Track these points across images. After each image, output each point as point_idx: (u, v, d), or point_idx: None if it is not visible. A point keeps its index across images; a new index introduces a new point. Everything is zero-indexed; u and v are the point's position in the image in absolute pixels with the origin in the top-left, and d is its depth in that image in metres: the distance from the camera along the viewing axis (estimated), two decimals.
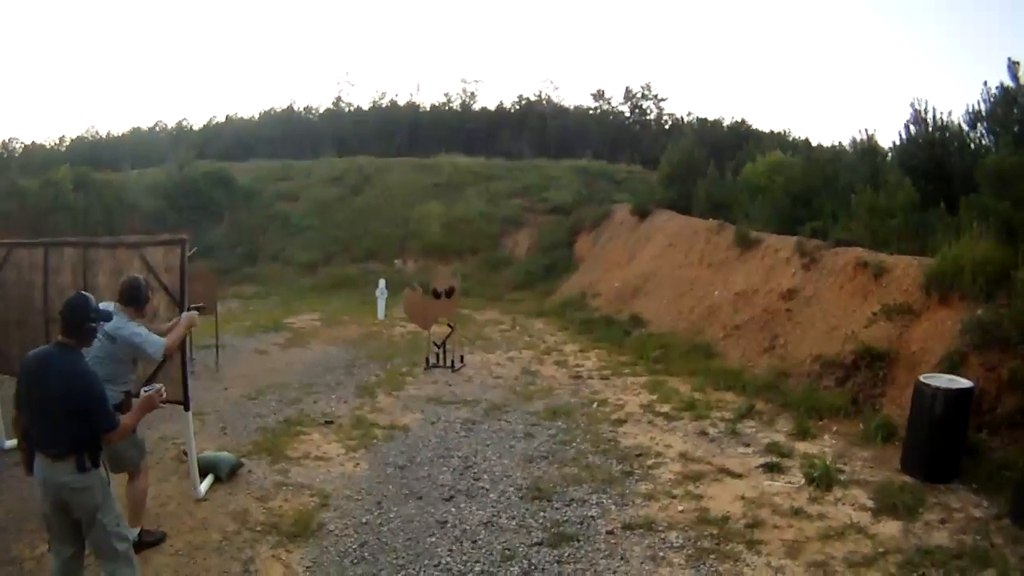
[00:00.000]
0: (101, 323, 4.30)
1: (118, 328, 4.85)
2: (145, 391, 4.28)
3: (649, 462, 6.99)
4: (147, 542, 5.17)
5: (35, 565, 5.00)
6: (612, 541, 5.28)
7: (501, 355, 12.68)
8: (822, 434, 7.67)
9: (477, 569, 4.99)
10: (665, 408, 8.90)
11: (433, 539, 5.47)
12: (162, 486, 6.25)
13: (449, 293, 12.01)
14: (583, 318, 15.73)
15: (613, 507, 5.92)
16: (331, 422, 8.68)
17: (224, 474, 6.64)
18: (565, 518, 5.73)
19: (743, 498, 5.93)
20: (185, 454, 6.48)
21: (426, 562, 5.12)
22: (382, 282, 17.37)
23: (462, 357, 11.77)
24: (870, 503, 5.83)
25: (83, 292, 4.23)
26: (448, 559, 5.15)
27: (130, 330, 4.91)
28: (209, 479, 6.49)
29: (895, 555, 4.91)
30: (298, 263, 23.56)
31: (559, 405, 9.22)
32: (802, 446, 7.32)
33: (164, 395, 4.35)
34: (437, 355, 11.66)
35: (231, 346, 12.97)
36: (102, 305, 4.81)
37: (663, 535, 5.33)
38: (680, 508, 5.79)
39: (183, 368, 5.91)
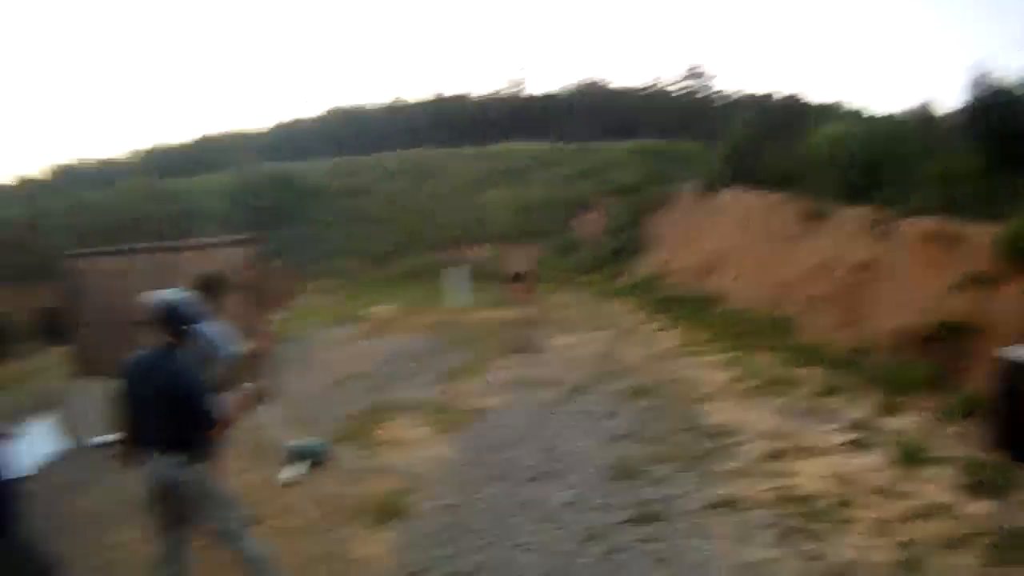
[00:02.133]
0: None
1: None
2: (245, 388, 4.42)
3: (733, 440, 6.88)
4: None
5: (124, 552, 5.28)
6: (697, 520, 5.23)
7: (580, 336, 12.69)
8: (906, 409, 7.42)
9: (560, 549, 5.01)
10: (748, 385, 8.76)
11: (516, 520, 5.52)
12: (248, 475, 6.38)
13: (525, 276, 12.11)
14: (659, 297, 15.66)
15: (698, 485, 5.85)
16: (416, 407, 8.87)
17: (312, 460, 6.87)
18: (649, 497, 5.69)
19: (829, 476, 5.79)
20: (273, 441, 6.79)
21: (509, 543, 5.17)
22: (457, 269, 17.57)
23: (542, 340, 11.84)
24: (958, 481, 5.61)
25: (182, 294, 4.34)
26: (531, 539, 5.19)
27: (213, 329, 5.06)
28: (297, 465, 6.74)
29: (984, 536, 4.72)
30: (371, 256, 24.10)
31: (641, 384, 9.17)
32: (887, 422, 7.10)
33: (265, 393, 4.53)
34: (516, 338, 11.77)
35: (314, 338, 13.35)
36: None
37: (749, 514, 5.25)
38: (765, 486, 5.69)
39: (266, 363, 6.10)
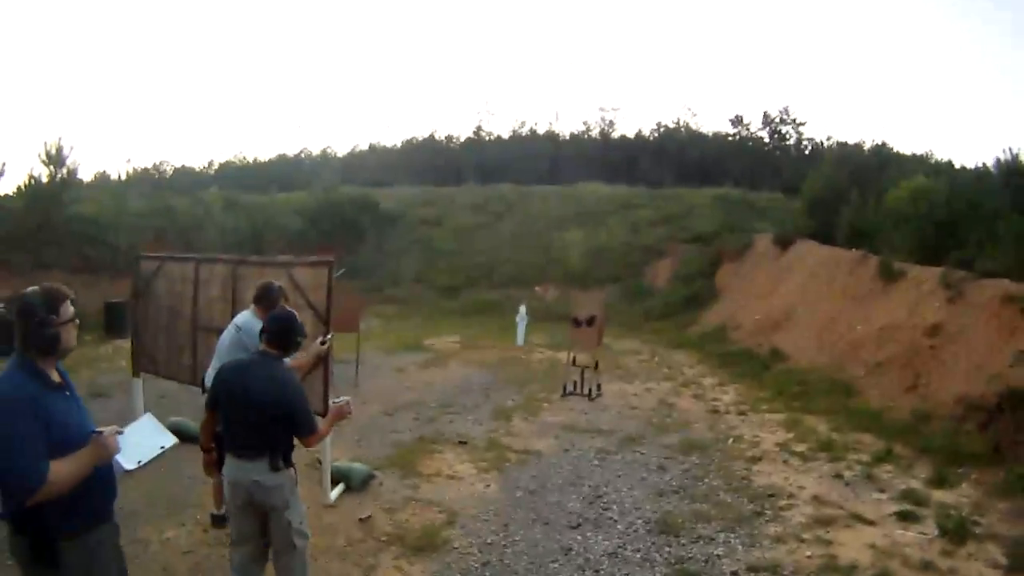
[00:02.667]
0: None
1: (247, 322, 5.28)
2: (336, 402, 4.57)
3: (781, 503, 6.79)
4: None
5: (159, 548, 5.48)
6: None
7: (639, 385, 12.68)
8: (961, 482, 7.22)
9: None
10: (801, 447, 8.61)
11: (556, 565, 5.56)
12: None
13: (590, 322, 12.11)
14: (723, 351, 15.48)
15: (740, 547, 5.79)
16: (465, 442, 8.97)
17: (356, 484, 7.02)
18: (690, 555, 5.66)
19: (873, 546, 5.67)
20: (319, 462, 6.92)
21: None
22: (522, 308, 17.71)
23: (599, 386, 11.83)
24: (1004, 559, 5.44)
25: (289, 308, 4.56)
26: None
27: (254, 325, 5.13)
28: (340, 487, 6.89)
29: None
30: (440, 286, 24.44)
31: (694, 439, 9.12)
32: (939, 494, 6.91)
33: (351, 408, 4.58)
34: (575, 383, 11.80)
35: (372, 363, 13.61)
36: (242, 314, 5.45)
37: None
38: (808, 553, 5.60)
39: (325, 380, 6.28)
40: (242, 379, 4.13)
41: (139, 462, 3.38)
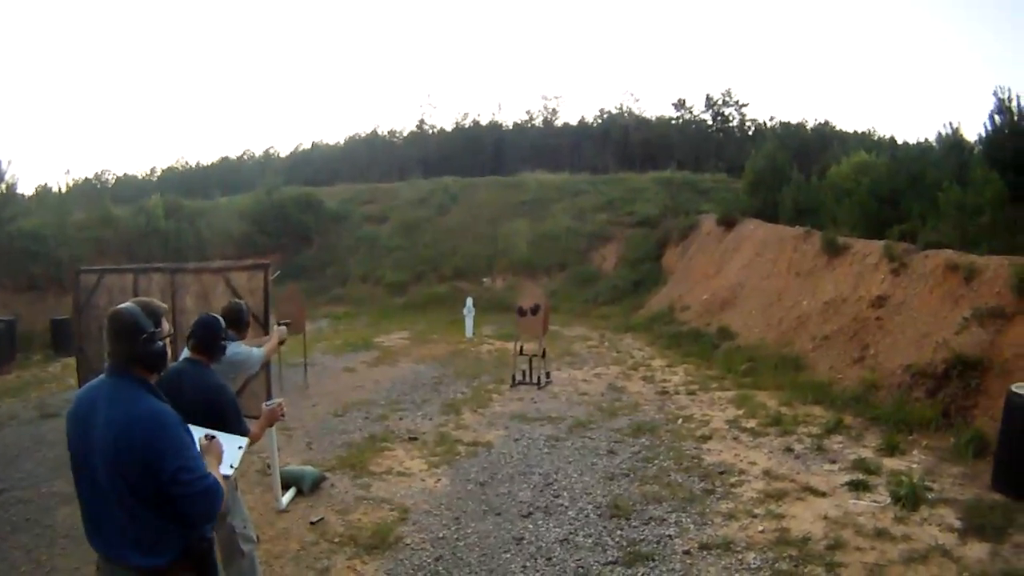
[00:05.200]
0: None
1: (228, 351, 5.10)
2: (267, 405, 4.58)
3: (732, 480, 6.80)
4: None
5: None
6: (688, 561, 5.14)
7: (588, 371, 12.64)
8: (911, 449, 7.34)
9: None
10: (751, 424, 8.68)
11: (508, 555, 5.49)
12: (245, 497, 6.37)
13: (535, 311, 12.01)
14: (671, 332, 15.55)
15: (692, 526, 5.78)
16: (415, 438, 8.84)
17: (307, 487, 6.88)
18: (642, 537, 5.63)
19: (826, 518, 5.71)
20: (269, 467, 6.76)
21: None
22: (469, 300, 17.59)
23: (548, 374, 11.77)
24: (957, 523, 5.52)
25: (212, 313, 4.52)
26: (520, 575, 5.15)
27: (232, 350, 5.13)
28: (291, 492, 6.74)
29: None
30: (388, 283, 24.17)
31: (644, 421, 9.10)
32: (890, 462, 7.01)
33: (284, 410, 4.65)
34: (524, 372, 11.71)
35: (320, 364, 13.39)
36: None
37: (740, 556, 5.17)
38: (760, 528, 5.61)
39: (267, 383, 6.14)
40: (175, 386, 3.98)
41: (232, 467, 3.29)
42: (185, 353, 4.35)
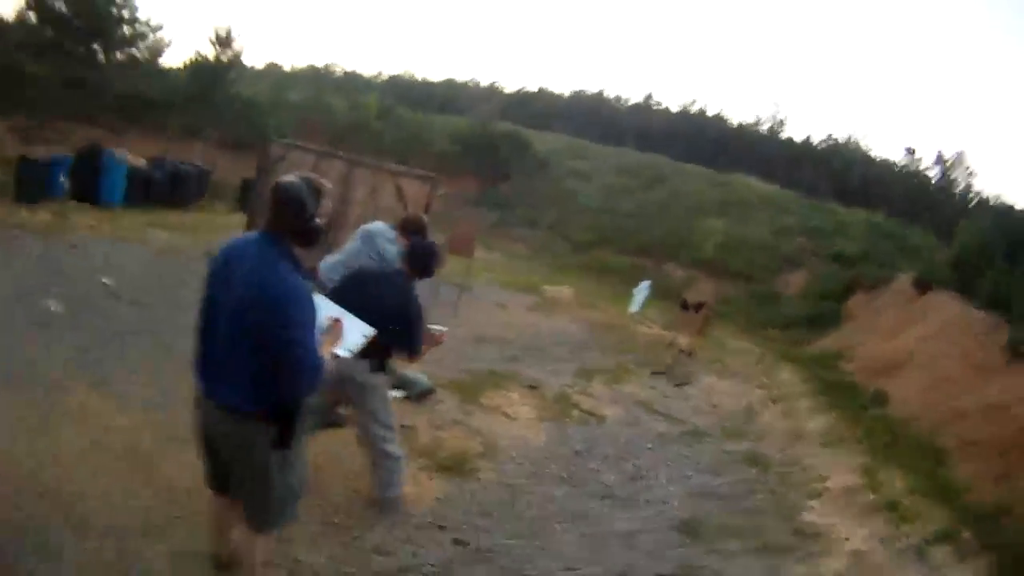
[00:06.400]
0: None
1: (397, 257, 5.18)
2: (434, 328, 4.80)
3: (819, 547, 6.17)
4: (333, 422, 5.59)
5: None
6: None
7: (730, 386, 12.00)
8: None
9: (588, 571, 4.79)
10: (867, 499, 7.75)
11: (560, 527, 5.35)
12: None
13: (698, 308, 11.58)
14: (829, 378, 14.45)
15: (757, 574, 5.35)
16: (536, 387, 8.80)
17: (414, 395, 7.02)
18: (701, 564, 5.25)
19: None
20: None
21: (539, 544, 5.02)
22: (648, 282, 17.12)
23: (690, 375, 11.35)
24: None
25: (433, 244, 4.84)
26: (566, 550, 5.01)
27: (393, 254, 5.27)
28: (399, 393, 6.83)
29: None
30: (573, 239, 24.03)
31: (761, 455, 8.50)
32: None
33: (445, 339, 4.93)
34: (668, 365, 11.35)
35: (478, 293, 13.55)
36: (380, 223, 5.64)
37: None
38: None
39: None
40: (376, 285, 4.47)
41: (348, 351, 3.40)
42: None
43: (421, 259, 4.60)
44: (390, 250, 5.38)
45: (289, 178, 2.93)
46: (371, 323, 4.13)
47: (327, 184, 3.03)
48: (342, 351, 3.32)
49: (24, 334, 6.26)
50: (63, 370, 5.74)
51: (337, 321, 3.27)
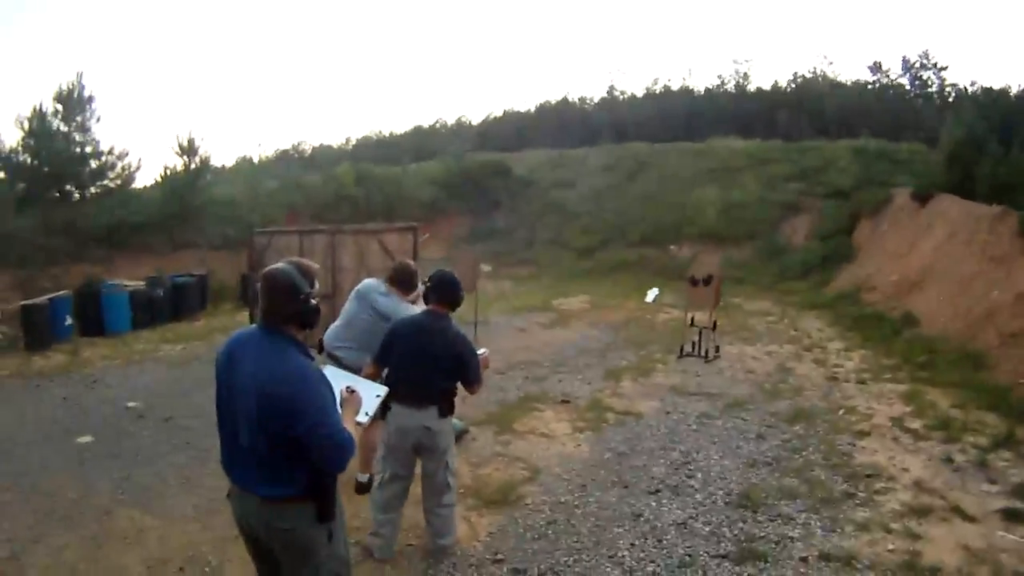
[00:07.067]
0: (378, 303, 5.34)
1: (391, 309, 5.36)
2: (481, 352, 4.76)
3: (877, 485, 6.02)
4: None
5: None
6: (801, 570, 4.62)
7: (760, 348, 11.89)
8: None
9: (649, 570, 4.70)
10: (916, 424, 7.64)
11: (620, 530, 5.27)
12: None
13: (707, 281, 11.45)
14: (855, 314, 14.25)
15: (819, 531, 5.19)
16: (567, 401, 8.76)
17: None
18: (763, 534, 5.15)
19: (966, 548, 4.84)
20: None
21: (603, 551, 4.94)
22: (655, 290, 16.86)
23: (718, 348, 11.23)
24: None
25: (451, 272, 4.79)
26: (625, 553, 4.91)
27: (403, 309, 5.33)
28: None
29: None
30: (574, 248, 24.02)
31: (804, 408, 8.36)
32: None
33: (488, 357, 4.93)
34: (693, 344, 11.24)
35: (495, 323, 13.57)
36: (371, 280, 5.71)
37: (859, 575, 4.57)
38: (891, 546, 4.90)
39: None
40: (418, 335, 4.49)
41: (367, 414, 3.36)
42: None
43: (447, 289, 4.58)
44: (381, 301, 5.46)
45: (277, 266, 2.92)
46: (424, 370, 4.34)
47: (314, 265, 3.03)
48: (362, 418, 3.28)
49: (64, 473, 6.38)
50: (109, 498, 5.83)
51: (352, 392, 3.23)
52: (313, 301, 2.90)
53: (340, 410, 3.03)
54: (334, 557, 3.06)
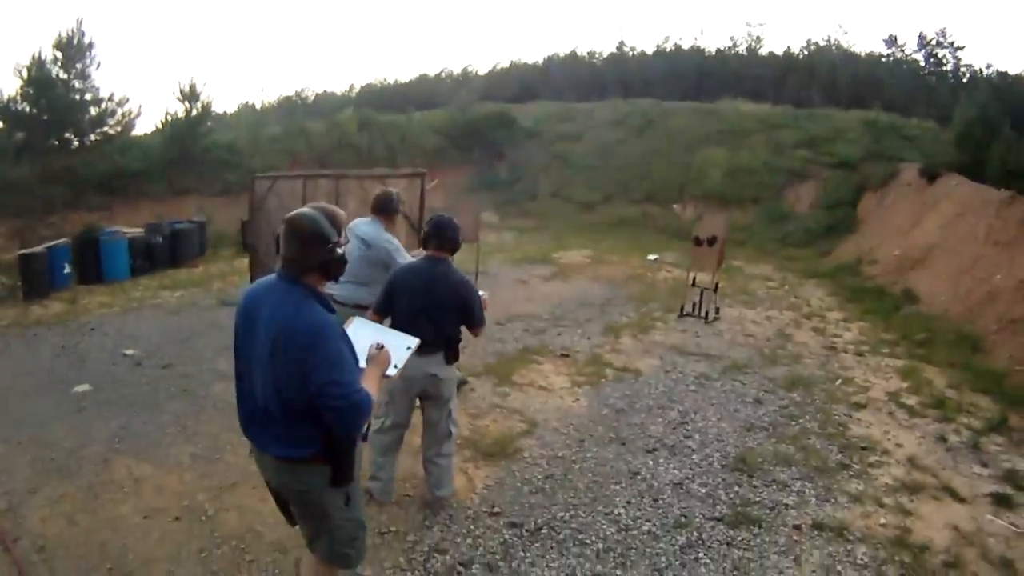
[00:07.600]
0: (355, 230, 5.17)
1: (373, 235, 5.33)
2: (481, 295, 4.65)
3: (872, 459, 6.05)
4: None
5: None
6: (794, 538, 4.67)
7: (760, 312, 11.81)
8: None
9: (645, 528, 4.74)
10: (911, 400, 7.64)
11: (617, 487, 5.30)
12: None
13: (711, 242, 11.33)
14: (855, 285, 14.17)
15: (813, 499, 5.24)
16: (567, 355, 8.73)
17: None
18: (758, 499, 5.20)
19: (955, 528, 4.87)
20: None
21: (599, 508, 4.98)
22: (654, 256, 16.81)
23: (718, 309, 11.16)
24: None
25: (449, 216, 4.65)
26: (621, 511, 4.96)
27: (384, 238, 5.35)
28: None
29: None
30: (577, 201, 23.72)
31: (801, 375, 8.35)
32: None
33: (487, 300, 4.75)
34: (694, 304, 11.19)
35: (495, 274, 13.45)
36: (360, 220, 5.50)
37: (850, 547, 4.59)
38: (882, 520, 4.95)
39: None
40: (419, 280, 4.42)
41: (395, 367, 3.23)
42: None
43: (445, 233, 4.46)
44: (363, 228, 5.40)
45: (301, 210, 2.76)
46: (428, 315, 4.27)
47: (340, 211, 2.85)
48: (392, 371, 3.16)
49: (62, 422, 6.31)
50: (106, 447, 5.78)
51: (381, 347, 3.08)
52: (340, 251, 2.74)
53: (364, 366, 2.91)
54: (350, 520, 3.00)
